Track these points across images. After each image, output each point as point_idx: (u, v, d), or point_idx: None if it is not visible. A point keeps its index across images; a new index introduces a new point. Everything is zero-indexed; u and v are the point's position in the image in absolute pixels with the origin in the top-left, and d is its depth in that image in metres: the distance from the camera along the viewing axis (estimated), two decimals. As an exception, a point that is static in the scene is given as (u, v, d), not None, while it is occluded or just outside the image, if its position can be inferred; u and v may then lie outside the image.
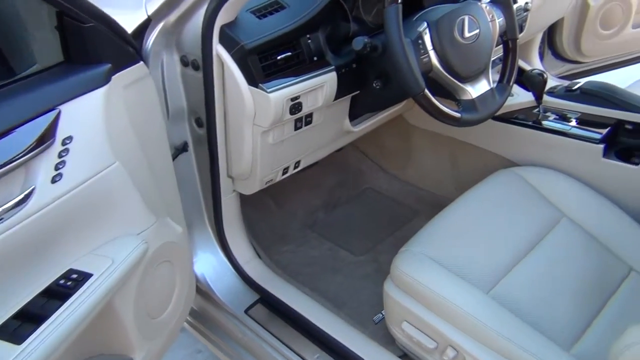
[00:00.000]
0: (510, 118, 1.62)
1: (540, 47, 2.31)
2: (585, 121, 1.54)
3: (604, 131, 1.49)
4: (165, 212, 1.18)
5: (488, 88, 1.26)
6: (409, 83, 1.11)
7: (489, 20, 1.26)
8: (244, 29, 1.16)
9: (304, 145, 1.41)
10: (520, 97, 1.65)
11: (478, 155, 1.74)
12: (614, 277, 1.27)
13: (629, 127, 1.48)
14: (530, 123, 1.58)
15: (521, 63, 1.85)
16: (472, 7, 1.23)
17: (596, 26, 2.23)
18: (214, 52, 1.15)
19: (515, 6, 1.59)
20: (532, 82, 1.52)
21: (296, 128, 1.30)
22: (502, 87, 1.31)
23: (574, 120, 1.54)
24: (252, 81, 1.16)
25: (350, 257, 1.77)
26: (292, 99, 1.20)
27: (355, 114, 1.47)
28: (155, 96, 1.14)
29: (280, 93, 1.17)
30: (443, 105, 1.17)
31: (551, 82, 1.67)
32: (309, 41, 1.23)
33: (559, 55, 2.40)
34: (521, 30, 1.68)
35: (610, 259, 1.31)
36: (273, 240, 1.81)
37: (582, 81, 1.60)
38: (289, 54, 1.19)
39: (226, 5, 1.10)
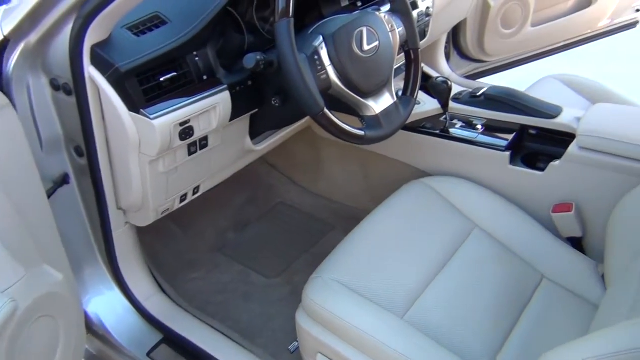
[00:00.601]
0: (417, 127, 1.58)
1: (445, 48, 2.33)
2: (490, 127, 1.53)
3: (510, 137, 1.48)
4: (40, 259, 1.03)
5: (392, 102, 1.20)
6: (307, 103, 1.03)
7: (389, 30, 1.19)
8: (119, 48, 1.03)
9: (202, 170, 1.30)
10: (427, 105, 1.61)
11: (389, 165, 1.69)
12: (527, 286, 1.26)
13: (532, 132, 1.48)
14: (437, 132, 1.55)
15: (426, 69, 1.83)
16: (370, 17, 1.16)
17: (497, 26, 2.27)
18: (86, 75, 1.01)
19: (416, 12, 1.56)
20: (437, 91, 1.49)
21: (190, 153, 1.18)
22: (406, 99, 1.26)
23: (480, 127, 1.53)
24: (133, 107, 1.04)
25: (263, 280, 1.67)
26: (182, 124, 1.09)
27: (256, 132, 1.37)
28: (18, 127, 0.99)
29: (166, 118, 1.05)
30: (345, 123, 1.10)
31: (456, 88, 1.64)
32: (197, 59, 1.12)
33: (464, 55, 2.43)
34: (424, 35, 1.65)
35: (522, 268, 1.29)
36: (179, 269, 1.68)
37: (486, 87, 1.59)
38: (174, 74, 1.08)
39: (96, 22, 0.97)
